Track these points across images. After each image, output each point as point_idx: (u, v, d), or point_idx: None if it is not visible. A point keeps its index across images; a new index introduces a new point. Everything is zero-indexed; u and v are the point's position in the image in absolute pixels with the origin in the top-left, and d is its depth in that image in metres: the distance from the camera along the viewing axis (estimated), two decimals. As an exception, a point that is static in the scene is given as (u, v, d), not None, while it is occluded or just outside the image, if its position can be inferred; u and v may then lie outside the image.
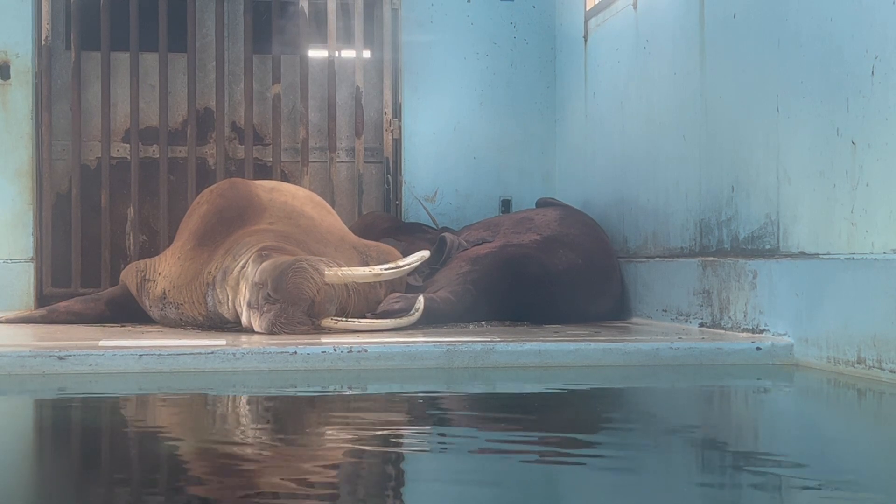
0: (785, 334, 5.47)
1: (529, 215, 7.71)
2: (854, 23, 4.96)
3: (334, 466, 3.22)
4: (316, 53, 9.04)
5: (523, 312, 7.00)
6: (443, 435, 3.78)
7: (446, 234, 7.60)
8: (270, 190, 7.22)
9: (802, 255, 5.38)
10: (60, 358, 4.97)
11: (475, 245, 7.47)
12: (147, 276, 6.97)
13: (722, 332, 6.04)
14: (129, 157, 8.68)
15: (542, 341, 5.43)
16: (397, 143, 8.99)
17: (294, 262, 5.93)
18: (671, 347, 5.39)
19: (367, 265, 6.61)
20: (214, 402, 4.63)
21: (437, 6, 9.04)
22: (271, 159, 8.82)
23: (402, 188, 8.92)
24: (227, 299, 6.24)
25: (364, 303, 6.50)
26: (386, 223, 8.42)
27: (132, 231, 8.67)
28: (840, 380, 4.88)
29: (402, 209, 8.90)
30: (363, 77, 8.91)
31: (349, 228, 7.61)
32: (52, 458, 3.46)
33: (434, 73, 9.00)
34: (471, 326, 6.60)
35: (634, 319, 7.26)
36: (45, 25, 8.51)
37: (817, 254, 5.26)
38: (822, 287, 5.17)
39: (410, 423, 4.07)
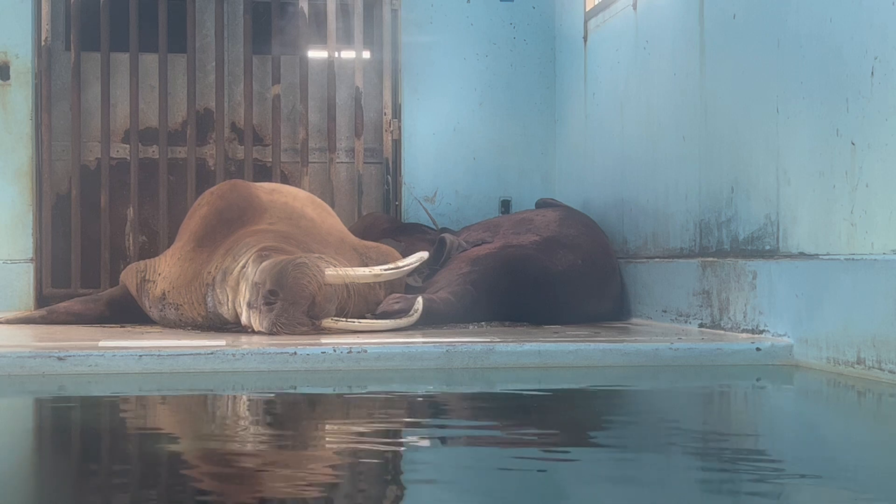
0: (785, 335, 5.47)
1: (529, 216, 7.71)
2: (854, 23, 4.96)
3: (333, 467, 3.22)
4: (316, 54, 9.04)
5: (523, 313, 7.00)
6: (442, 437, 3.78)
7: (446, 235, 7.60)
8: (271, 191, 7.22)
9: (802, 255, 5.38)
10: (60, 359, 4.97)
11: (475, 246, 7.47)
12: (147, 277, 6.96)
13: (722, 332, 6.03)
14: (128, 158, 8.68)
15: (542, 342, 5.43)
16: (397, 143, 8.99)
17: (295, 259, 5.94)
18: (671, 348, 5.39)
19: (367, 266, 6.61)
20: (214, 402, 4.63)
21: (437, 7, 9.04)
22: (271, 160, 8.82)
23: (402, 189, 8.92)
24: (227, 300, 6.24)
25: (364, 303, 6.50)
26: (385, 224, 8.42)
27: (132, 232, 8.67)
28: (840, 380, 4.87)
29: (402, 210, 8.90)
30: (363, 78, 8.91)
31: (349, 229, 7.60)
32: (51, 458, 3.46)
33: (434, 74, 9.00)
34: (470, 327, 6.60)
35: (634, 320, 7.26)
36: (45, 26, 8.51)
37: (817, 254, 5.25)
38: (821, 288, 5.17)
39: (410, 423, 4.07)
